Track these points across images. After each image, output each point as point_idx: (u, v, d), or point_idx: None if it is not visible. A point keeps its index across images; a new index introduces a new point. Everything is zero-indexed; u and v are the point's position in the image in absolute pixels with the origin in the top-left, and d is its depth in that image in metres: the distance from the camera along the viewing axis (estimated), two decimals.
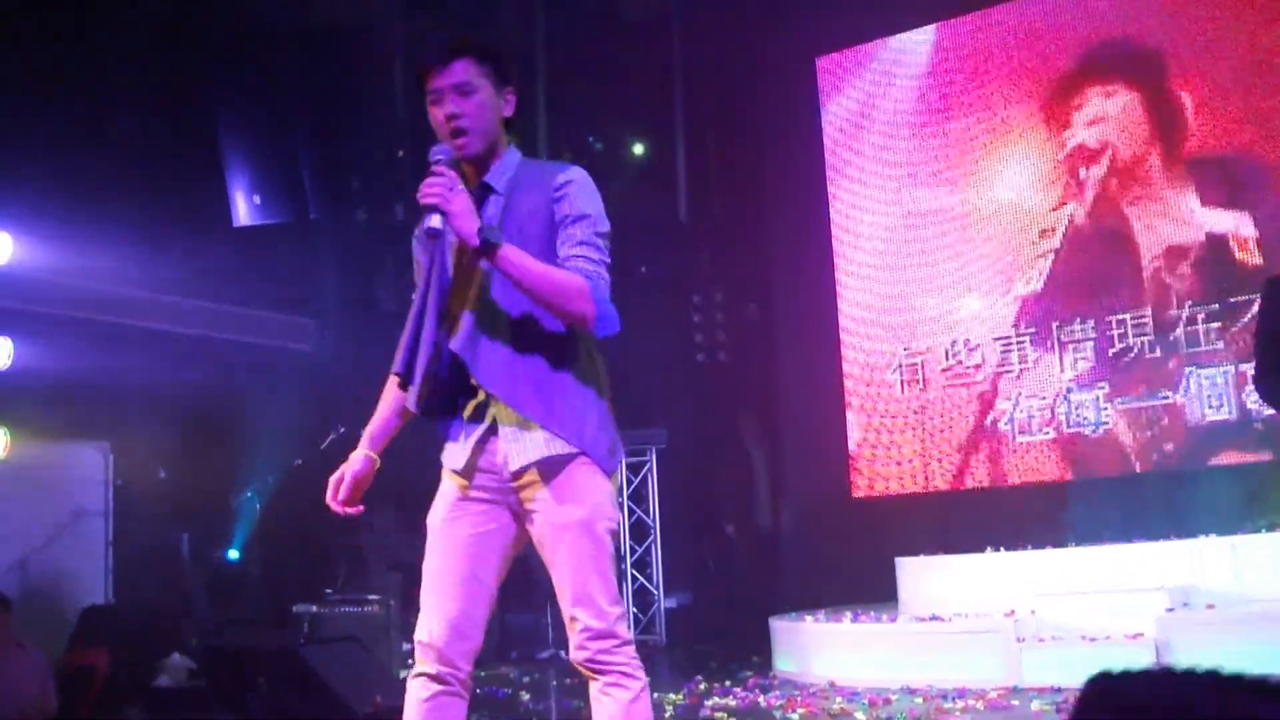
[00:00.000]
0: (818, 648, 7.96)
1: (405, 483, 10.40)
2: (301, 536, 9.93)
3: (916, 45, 10.47)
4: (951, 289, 10.03)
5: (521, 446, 3.10)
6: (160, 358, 9.61)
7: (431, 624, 3.15)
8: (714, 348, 11.78)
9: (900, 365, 10.20)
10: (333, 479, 3.38)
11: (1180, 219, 9.02)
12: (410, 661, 9.63)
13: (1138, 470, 9.07)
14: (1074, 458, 9.34)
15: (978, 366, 9.80)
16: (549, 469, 3.09)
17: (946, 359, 9.95)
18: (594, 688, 3.10)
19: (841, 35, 10.81)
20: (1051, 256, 9.55)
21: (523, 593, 10.10)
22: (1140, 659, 6.69)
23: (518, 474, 3.11)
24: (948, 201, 10.10)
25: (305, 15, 10.18)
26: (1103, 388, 9.22)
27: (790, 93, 11.02)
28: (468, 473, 3.15)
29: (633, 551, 11.37)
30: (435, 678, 3.17)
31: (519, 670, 8.78)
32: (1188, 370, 8.88)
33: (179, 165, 9.81)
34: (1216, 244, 8.86)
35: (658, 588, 11.30)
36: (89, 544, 9.35)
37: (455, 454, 3.18)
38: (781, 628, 8.43)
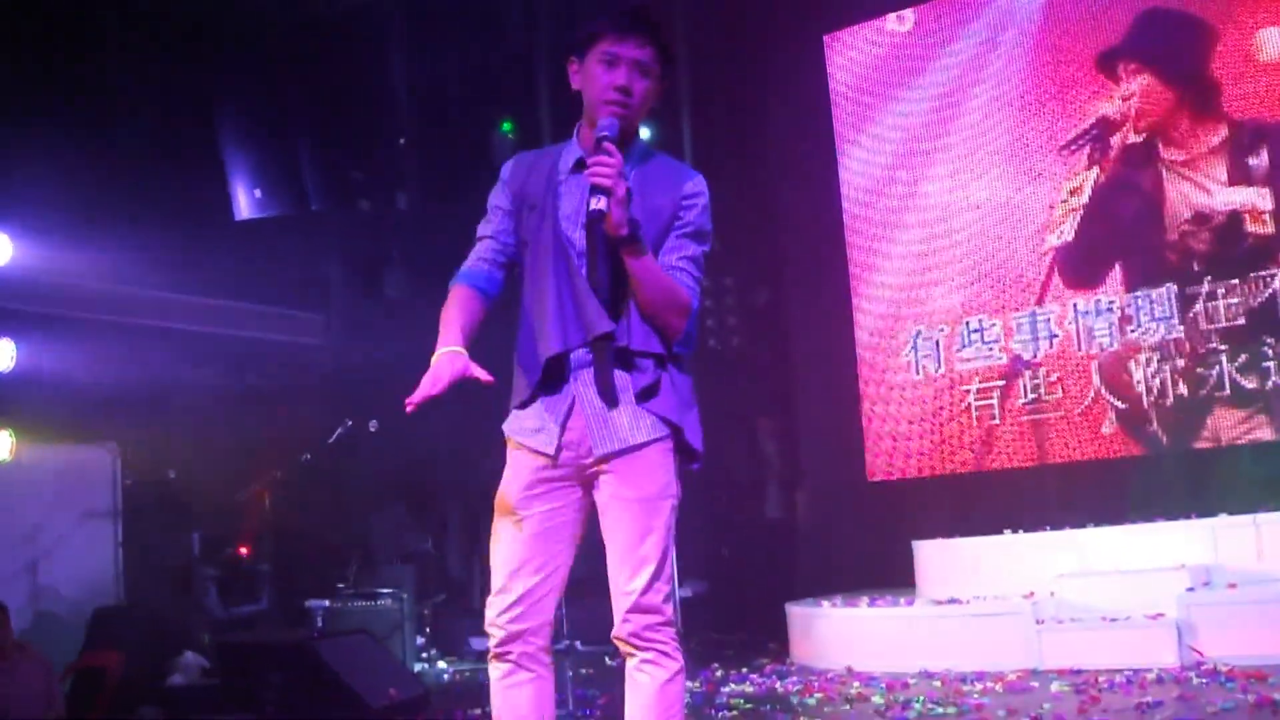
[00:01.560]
0: (834, 633, 8.06)
1: (414, 475, 10.57)
2: (312, 531, 10.05)
3: (928, 19, 10.52)
4: (968, 268, 10.09)
5: (608, 433, 3.15)
6: (165, 355, 9.71)
7: (503, 605, 3.16)
8: (726, 333, 11.84)
9: (915, 346, 10.27)
10: (444, 377, 3.09)
11: (1207, 190, 9.05)
12: (424, 655, 9.68)
13: (1158, 448, 9.12)
14: (1093, 437, 9.40)
15: (994, 346, 9.86)
16: (639, 448, 3.16)
17: (962, 339, 10.02)
18: (630, 664, 3.16)
19: (851, 11, 10.86)
20: (1080, 214, 9.58)
21: None
22: (1161, 639, 6.78)
23: (614, 452, 3.16)
24: (964, 179, 10.16)
25: (302, 4, 10.25)
26: (1122, 365, 9.28)
27: (799, 70, 11.07)
28: (556, 453, 3.17)
29: None
30: (508, 657, 3.18)
31: None
32: (1210, 347, 8.93)
33: (178, 159, 9.87)
34: (1239, 216, 8.89)
35: (673, 576, 11.35)
36: (99, 546, 9.45)
37: (541, 435, 3.18)
38: (798, 614, 8.53)
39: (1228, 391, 8.84)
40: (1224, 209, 8.95)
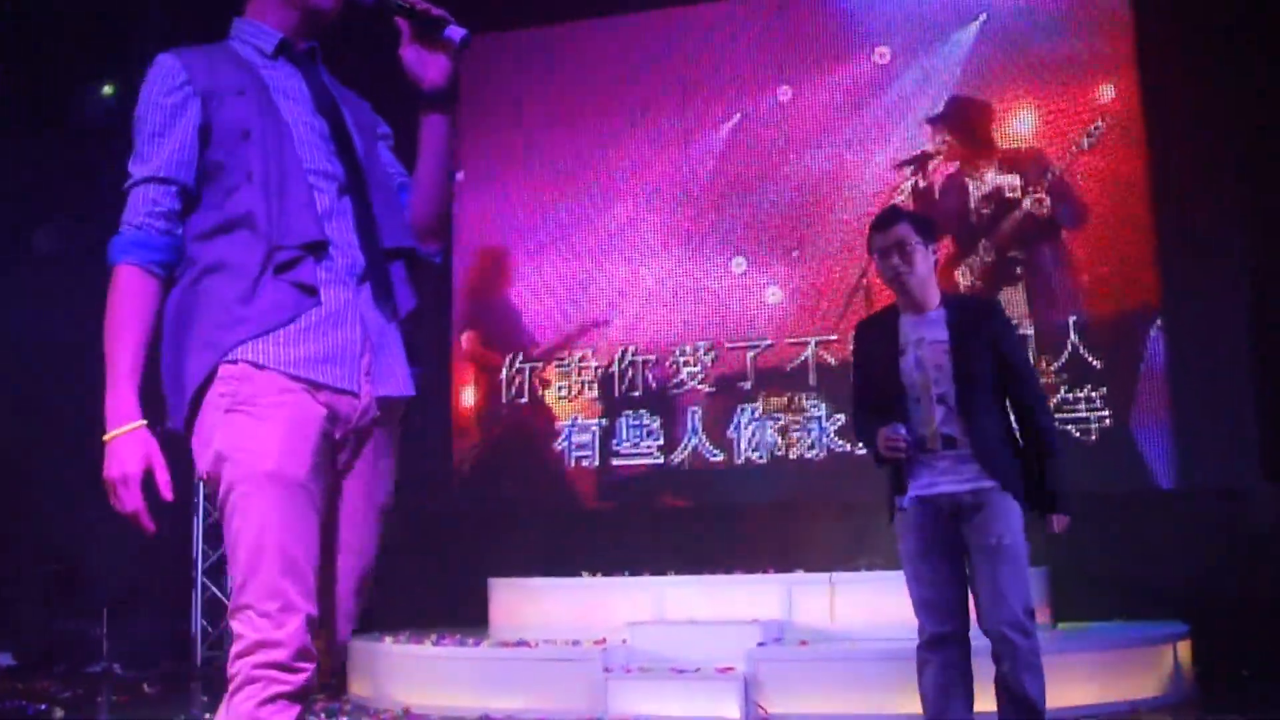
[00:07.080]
0: (395, 670, 8.00)
1: None
2: None
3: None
4: (577, 293, 10.38)
5: (390, 371, 2.66)
6: None
7: (300, 621, 2.47)
8: None
9: (512, 375, 10.43)
10: (141, 477, 2.47)
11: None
12: None
13: (746, 502, 9.62)
14: (680, 485, 9.83)
15: (589, 384, 10.15)
16: (400, 408, 2.75)
17: (559, 375, 10.27)
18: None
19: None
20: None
21: (72, 595, 9.66)
22: (728, 693, 7.05)
23: (383, 404, 2.66)
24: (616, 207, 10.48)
25: None
26: (721, 416, 9.74)
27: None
28: (359, 391, 2.60)
29: (205, 558, 11.07)
30: (304, 688, 2.48)
31: (61, 685, 8.44)
32: (807, 405, 9.50)
33: None
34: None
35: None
36: None
37: (337, 368, 2.55)
38: (358, 648, 8.40)
39: (823, 454, 9.41)
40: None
